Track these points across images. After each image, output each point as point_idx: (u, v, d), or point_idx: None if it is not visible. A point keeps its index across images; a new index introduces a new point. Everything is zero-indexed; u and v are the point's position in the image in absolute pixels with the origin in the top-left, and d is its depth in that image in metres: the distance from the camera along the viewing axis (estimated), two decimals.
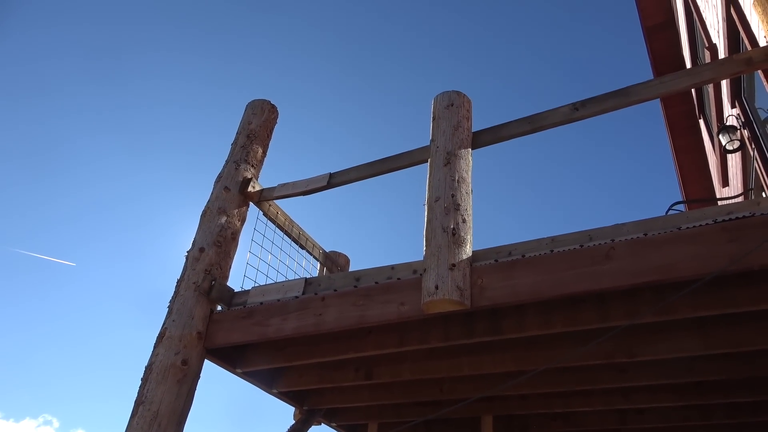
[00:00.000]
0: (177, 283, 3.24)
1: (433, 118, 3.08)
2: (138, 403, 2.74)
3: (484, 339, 2.67)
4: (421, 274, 2.57)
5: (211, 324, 3.07)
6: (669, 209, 3.40)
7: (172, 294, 3.22)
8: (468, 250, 2.56)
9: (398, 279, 2.72)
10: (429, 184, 2.82)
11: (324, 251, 4.58)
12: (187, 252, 3.34)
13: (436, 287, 2.43)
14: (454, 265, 2.47)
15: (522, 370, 3.08)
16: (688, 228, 2.20)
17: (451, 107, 3.03)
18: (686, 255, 2.12)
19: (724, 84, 5.00)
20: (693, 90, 7.20)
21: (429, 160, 2.93)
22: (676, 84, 2.70)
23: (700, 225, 2.18)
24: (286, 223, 3.96)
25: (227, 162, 3.67)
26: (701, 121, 7.52)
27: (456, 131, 2.94)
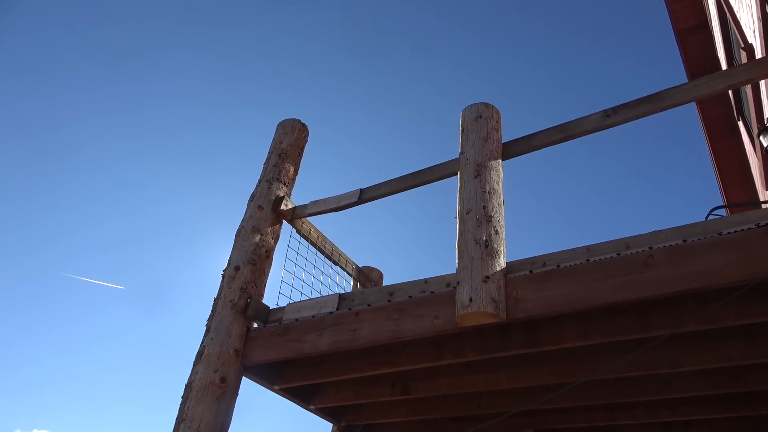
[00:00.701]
0: (214, 301, 3.30)
1: (462, 131, 3.08)
2: (179, 420, 2.79)
3: (521, 351, 2.63)
4: (454, 287, 2.56)
5: (248, 341, 3.11)
6: (709, 214, 3.30)
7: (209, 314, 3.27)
8: (502, 262, 2.54)
9: (432, 292, 2.71)
10: (460, 197, 2.81)
11: (357, 266, 4.60)
12: (223, 271, 3.40)
13: (471, 300, 2.41)
14: (488, 277, 2.46)
15: (561, 382, 3.01)
16: (729, 233, 2.14)
17: (480, 119, 3.03)
18: (729, 261, 2.06)
19: (763, 84, 4.87)
20: (730, 92, 7.02)
21: (459, 172, 2.92)
22: (712, 86, 2.64)
23: (743, 229, 2.12)
24: (319, 239, 3.99)
25: (260, 181, 3.74)
26: (740, 123, 7.31)
27: (485, 143, 2.93)
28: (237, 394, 2.99)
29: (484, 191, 2.73)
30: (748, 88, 5.59)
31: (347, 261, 4.46)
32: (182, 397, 2.91)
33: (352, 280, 4.53)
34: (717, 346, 2.54)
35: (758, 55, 4.53)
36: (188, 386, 2.93)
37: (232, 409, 2.91)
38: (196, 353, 3.10)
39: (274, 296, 3.41)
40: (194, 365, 3.02)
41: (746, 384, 2.75)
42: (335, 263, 4.30)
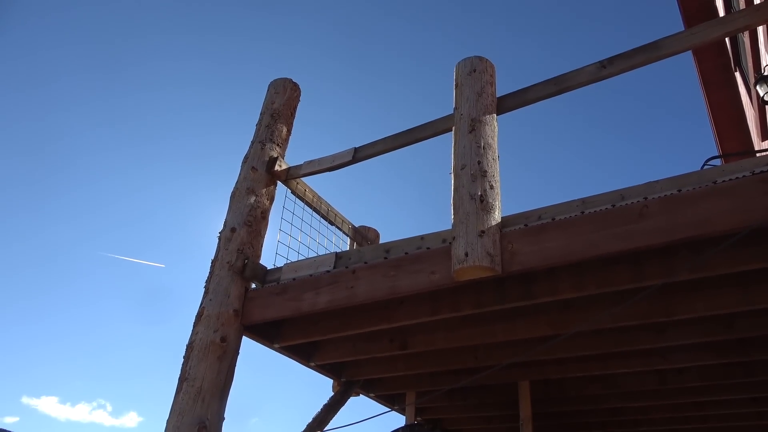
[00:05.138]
0: (211, 263, 3.31)
1: (456, 86, 3.03)
2: (182, 380, 2.83)
3: (517, 304, 2.66)
4: (450, 243, 2.56)
5: (246, 301, 3.14)
6: (704, 164, 3.29)
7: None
8: (497, 216, 2.54)
9: (428, 248, 2.72)
10: (454, 152, 2.79)
11: (353, 226, 4.61)
12: (220, 233, 3.40)
13: (466, 254, 2.42)
14: (483, 231, 2.46)
15: (557, 333, 3.06)
16: (724, 181, 2.13)
17: (474, 73, 2.98)
18: (723, 209, 2.06)
19: (761, 32, 4.79)
20: (728, 41, 6.92)
21: (453, 128, 2.89)
22: (708, 33, 2.59)
23: (737, 177, 2.11)
24: (314, 199, 3.98)
25: (253, 142, 3.70)
26: (737, 74, 7.24)
27: (480, 97, 2.89)
28: (238, 353, 3.03)
29: (479, 146, 2.70)
30: (746, 37, 5.51)
31: (343, 221, 4.46)
32: (184, 357, 2.94)
33: (349, 239, 4.54)
34: (710, 294, 2.57)
35: (757, 0, 4.45)
36: (189, 346, 2.96)
37: (234, 368, 2.95)
38: (195, 314, 3.13)
39: (271, 257, 3.43)
40: (194, 326, 3.05)
41: (739, 331, 2.79)
42: (331, 223, 4.30)
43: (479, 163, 2.64)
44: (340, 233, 4.46)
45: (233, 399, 2.96)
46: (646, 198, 2.25)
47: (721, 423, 4.23)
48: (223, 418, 2.80)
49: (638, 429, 4.53)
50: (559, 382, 3.85)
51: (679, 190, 2.20)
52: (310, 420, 3.57)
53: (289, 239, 3.51)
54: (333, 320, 3.23)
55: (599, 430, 4.62)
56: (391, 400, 4.50)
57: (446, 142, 2.97)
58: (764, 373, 3.24)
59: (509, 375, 3.73)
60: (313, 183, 3.95)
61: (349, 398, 3.97)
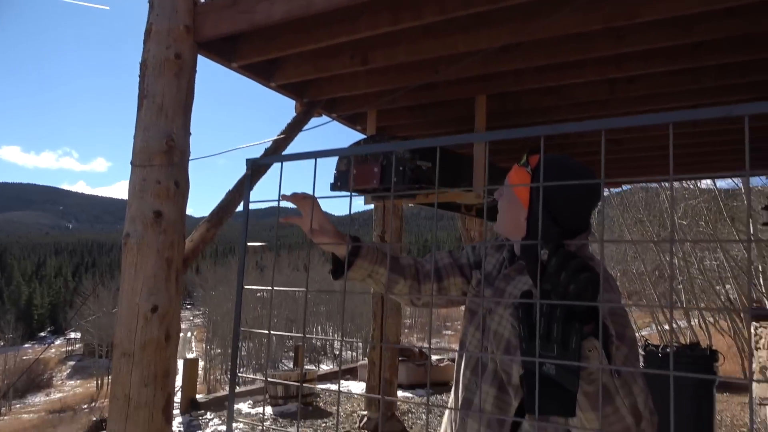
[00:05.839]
0: None
1: None
2: (141, 97, 2.80)
3: (481, 9, 2.56)
4: None
5: (197, 16, 2.95)
6: None
7: None
8: None
9: None
10: None
11: None
12: None
13: None
14: None
15: (519, 42, 3.04)
16: None
17: None
18: None
19: None
20: None
21: None
22: None
23: None
24: None
25: None
26: None
27: None
28: (195, 71, 2.95)
29: None
30: None
31: None
32: (139, 75, 2.86)
33: None
34: None
35: None
36: (143, 64, 2.86)
37: (193, 85, 2.91)
38: (144, 32, 2.95)
39: None
40: (144, 43, 2.90)
41: (695, 35, 2.81)
42: None
43: None
44: None
45: (198, 128, 2.99)
46: None
47: (659, 132, 4.56)
48: (190, 133, 2.86)
49: (582, 140, 4.87)
50: (516, 95, 3.95)
51: None
52: (275, 137, 3.70)
53: None
54: (291, 35, 3.11)
55: (547, 141, 4.93)
56: (353, 119, 4.62)
57: None
58: (712, 79, 3.37)
59: (468, 90, 3.80)
60: None
61: (311, 118, 4.05)
